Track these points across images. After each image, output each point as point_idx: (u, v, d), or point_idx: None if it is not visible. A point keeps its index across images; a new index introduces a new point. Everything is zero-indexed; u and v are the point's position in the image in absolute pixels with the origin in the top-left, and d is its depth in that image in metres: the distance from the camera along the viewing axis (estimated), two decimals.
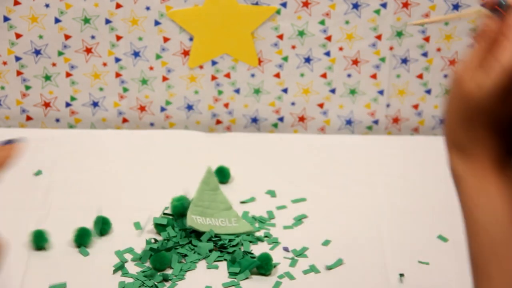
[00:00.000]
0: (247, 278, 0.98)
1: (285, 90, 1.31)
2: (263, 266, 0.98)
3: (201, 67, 1.29)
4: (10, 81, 1.29)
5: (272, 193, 1.14)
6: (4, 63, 1.27)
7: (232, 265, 0.99)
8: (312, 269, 1.00)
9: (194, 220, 1.02)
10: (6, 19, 1.24)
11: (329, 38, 1.27)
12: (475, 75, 0.61)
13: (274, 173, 1.20)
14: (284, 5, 1.24)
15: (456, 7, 1.24)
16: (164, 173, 1.19)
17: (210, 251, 1.02)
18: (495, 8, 0.63)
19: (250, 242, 1.04)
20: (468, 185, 0.62)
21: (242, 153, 1.25)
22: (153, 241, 1.03)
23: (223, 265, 1.00)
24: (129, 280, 0.97)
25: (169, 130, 1.32)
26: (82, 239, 1.02)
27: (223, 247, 1.02)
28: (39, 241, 1.01)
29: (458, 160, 0.63)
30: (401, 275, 0.98)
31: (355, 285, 0.97)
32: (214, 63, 1.29)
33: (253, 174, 1.19)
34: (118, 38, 1.27)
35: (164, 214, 1.07)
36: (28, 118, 1.32)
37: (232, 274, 0.98)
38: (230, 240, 1.03)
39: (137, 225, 1.06)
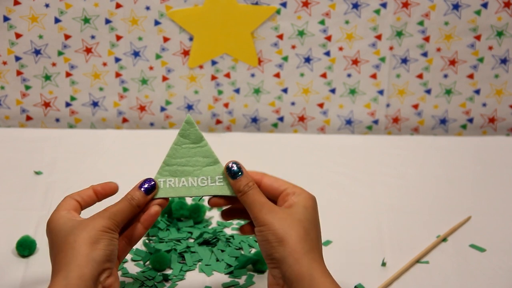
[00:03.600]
0: (244, 275, 0.98)
1: (285, 90, 1.31)
2: (261, 262, 0.98)
3: (201, 67, 1.29)
4: (10, 81, 1.29)
5: None
6: (4, 63, 1.27)
7: (229, 263, 0.99)
8: None
9: (157, 185, 0.86)
10: (6, 19, 1.24)
11: (329, 38, 1.27)
12: None
13: (274, 173, 1.19)
14: (284, 5, 1.24)
15: (456, 7, 1.24)
16: None
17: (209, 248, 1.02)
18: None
19: (251, 246, 1.04)
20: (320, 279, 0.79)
21: (242, 153, 1.25)
22: (152, 241, 1.03)
23: (222, 265, 1.00)
24: (129, 280, 0.97)
25: (169, 130, 1.32)
26: (24, 249, 1.00)
27: (216, 240, 1.03)
28: (23, 249, 1.00)
29: (314, 263, 0.80)
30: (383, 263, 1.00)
31: (355, 284, 0.97)
32: (214, 63, 1.29)
33: None
34: (118, 38, 1.27)
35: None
36: (28, 118, 1.32)
37: (229, 272, 0.98)
38: (227, 239, 1.03)
39: None
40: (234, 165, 0.85)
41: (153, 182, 0.85)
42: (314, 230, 0.82)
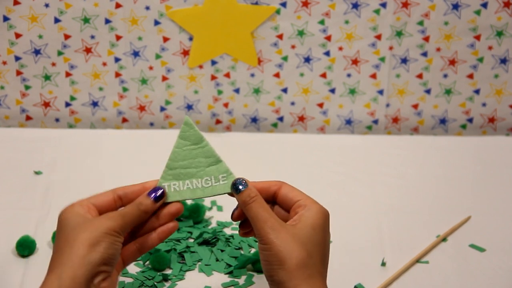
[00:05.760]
0: (244, 275, 0.98)
1: (284, 90, 1.31)
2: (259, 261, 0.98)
3: (200, 67, 1.29)
4: (9, 81, 1.29)
5: None
6: (4, 63, 1.27)
7: (228, 262, 0.99)
8: None
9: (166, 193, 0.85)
10: (6, 19, 1.24)
11: (328, 38, 1.27)
12: None
13: (273, 173, 1.19)
14: (283, 5, 1.24)
15: (456, 7, 1.24)
16: None
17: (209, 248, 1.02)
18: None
19: (250, 246, 1.04)
20: None
21: (242, 153, 1.25)
22: None
23: (222, 265, 1.00)
24: (129, 280, 0.97)
25: (169, 130, 1.32)
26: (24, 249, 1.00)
27: (215, 239, 1.03)
28: (23, 249, 1.00)
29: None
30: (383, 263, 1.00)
31: (355, 284, 0.97)
32: (213, 63, 1.29)
33: (252, 174, 1.18)
34: (118, 38, 1.27)
35: None
36: (28, 118, 1.32)
37: (229, 272, 0.98)
38: (227, 239, 1.03)
39: None
40: (238, 181, 0.83)
41: (161, 191, 0.83)
42: (318, 253, 0.79)
